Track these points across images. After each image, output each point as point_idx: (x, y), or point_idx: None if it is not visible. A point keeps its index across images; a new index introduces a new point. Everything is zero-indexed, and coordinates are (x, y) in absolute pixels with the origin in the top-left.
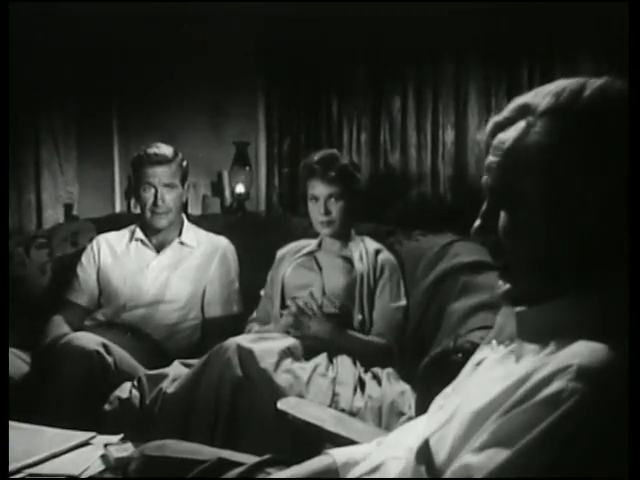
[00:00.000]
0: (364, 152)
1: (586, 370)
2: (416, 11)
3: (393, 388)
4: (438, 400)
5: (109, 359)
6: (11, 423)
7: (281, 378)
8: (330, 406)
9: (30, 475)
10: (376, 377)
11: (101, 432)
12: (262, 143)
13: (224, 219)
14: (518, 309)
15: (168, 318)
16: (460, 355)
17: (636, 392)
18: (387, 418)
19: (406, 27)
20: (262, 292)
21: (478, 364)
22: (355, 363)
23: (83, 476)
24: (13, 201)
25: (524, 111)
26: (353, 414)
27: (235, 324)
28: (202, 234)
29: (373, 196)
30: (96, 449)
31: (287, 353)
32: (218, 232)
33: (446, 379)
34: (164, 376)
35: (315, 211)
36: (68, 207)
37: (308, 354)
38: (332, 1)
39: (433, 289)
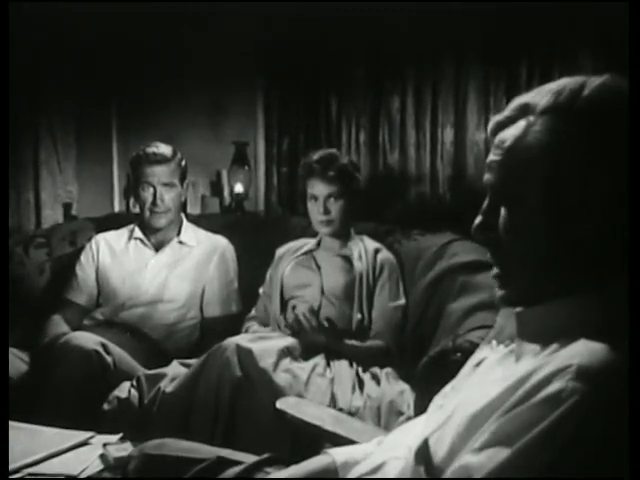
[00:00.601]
0: (363, 152)
1: (586, 370)
2: (415, 11)
3: (392, 388)
4: (437, 399)
5: (108, 359)
6: (10, 423)
7: (280, 378)
8: (329, 406)
9: (29, 475)
10: (375, 377)
11: (100, 432)
12: (261, 143)
13: (223, 218)
14: (518, 309)
15: (167, 317)
16: (459, 354)
17: (636, 392)
18: (386, 417)
19: (405, 27)
20: (261, 290)
21: (478, 364)
22: (352, 364)
23: (82, 476)
24: (12, 200)
25: (524, 110)
26: (352, 414)
27: (234, 324)
28: (201, 233)
29: (372, 196)
30: (95, 449)
31: (286, 353)
32: (217, 232)
33: (445, 378)
34: (163, 376)
35: (314, 210)
36: (67, 206)
37: (306, 354)
38: (332, 1)
39: (432, 288)
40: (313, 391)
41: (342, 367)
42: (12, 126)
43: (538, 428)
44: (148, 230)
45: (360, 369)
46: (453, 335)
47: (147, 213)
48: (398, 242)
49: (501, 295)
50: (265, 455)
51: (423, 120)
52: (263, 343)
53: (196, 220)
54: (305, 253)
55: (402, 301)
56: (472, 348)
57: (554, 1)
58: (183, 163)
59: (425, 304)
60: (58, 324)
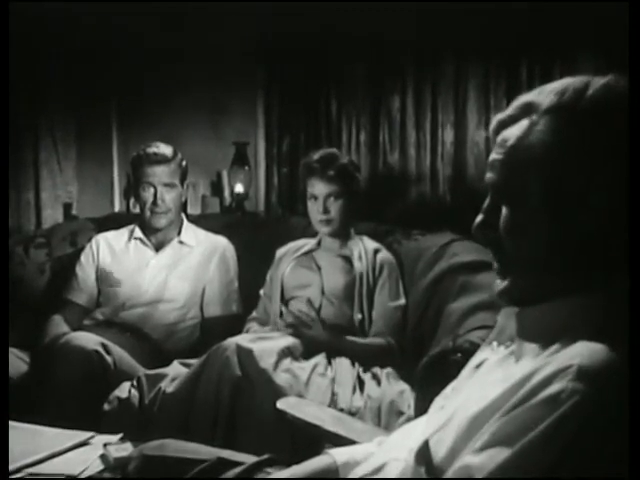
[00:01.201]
0: (363, 152)
1: (586, 370)
2: (416, 10)
3: (392, 388)
4: (438, 401)
5: (108, 359)
6: (10, 423)
7: (280, 378)
8: (329, 406)
9: (30, 475)
10: (375, 377)
11: (100, 432)
12: (261, 143)
13: (223, 219)
14: (518, 310)
15: (167, 317)
16: (459, 355)
17: (636, 392)
18: (386, 418)
19: (405, 26)
20: (261, 292)
21: (478, 366)
22: (353, 364)
23: (82, 476)
24: (12, 201)
25: (528, 109)
26: (352, 414)
27: (234, 324)
28: (201, 234)
29: (372, 196)
30: (95, 449)
31: (286, 353)
32: (217, 232)
33: (445, 379)
34: (163, 376)
35: (314, 210)
36: (67, 206)
37: (307, 353)
38: (332, 1)
39: (432, 289)
40: (313, 391)
41: (344, 366)
42: (12, 126)
43: (539, 428)
44: (148, 230)
45: (361, 369)
46: (453, 335)
47: (147, 213)
48: (398, 242)
49: (502, 289)
50: (265, 455)
51: (423, 120)
52: (263, 343)
53: (196, 220)
54: (305, 253)
55: (402, 301)
56: (472, 348)
57: (554, 1)
58: (184, 163)
59: (425, 304)
60: (58, 324)
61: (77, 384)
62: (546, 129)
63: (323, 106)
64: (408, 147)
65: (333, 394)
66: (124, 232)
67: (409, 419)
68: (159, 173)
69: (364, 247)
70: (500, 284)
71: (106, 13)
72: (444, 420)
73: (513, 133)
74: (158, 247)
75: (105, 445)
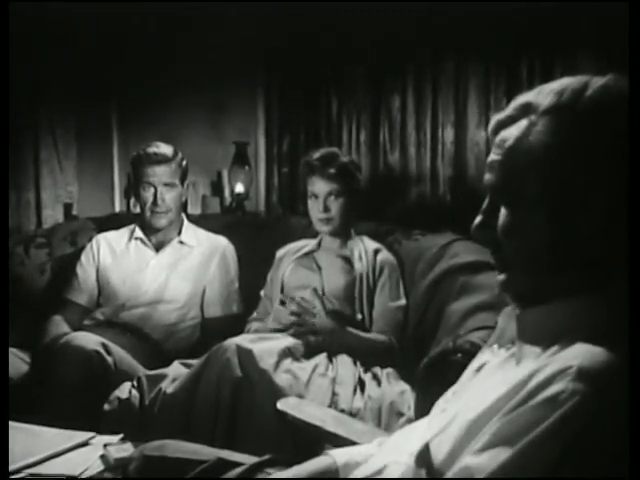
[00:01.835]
0: (363, 151)
1: (586, 371)
2: (416, 10)
3: (392, 388)
4: (440, 403)
5: (109, 359)
6: (10, 423)
7: (281, 378)
8: (330, 406)
9: (30, 475)
10: (376, 377)
11: (101, 432)
12: (262, 142)
13: (223, 219)
14: (519, 312)
15: (167, 318)
16: (459, 355)
17: (636, 393)
18: (387, 418)
19: (406, 26)
20: (262, 292)
21: (479, 369)
22: (355, 363)
23: (83, 476)
24: (12, 200)
25: (526, 109)
26: (353, 414)
27: (235, 324)
28: (202, 234)
29: (372, 195)
30: (96, 449)
31: (287, 353)
32: (217, 232)
33: (446, 379)
34: (164, 376)
35: (314, 208)
36: (67, 206)
37: (308, 354)
38: (332, 0)
39: (432, 289)
40: (314, 391)
41: (345, 366)
42: (12, 126)
43: (539, 429)
44: (149, 230)
45: (362, 370)
46: (454, 336)
47: (148, 213)
48: (398, 242)
49: (503, 281)
50: (266, 456)
51: (423, 119)
52: (264, 344)
53: (197, 220)
54: (305, 254)
55: (402, 301)
56: (473, 349)
57: (554, 1)
58: (184, 163)
59: (426, 304)
60: (59, 324)
61: (77, 384)
62: (545, 129)
63: (323, 105)
64: (408, 146)
65: (334, 394)
66: (124, 232)
67: (409, 420)
68: (159, 173)
69: (364, 247)
70: (501, 278)
71: (106, 13)
72: (445, 423)
73: (512, 133)
74: (158, 247)
75: (105, 445)
